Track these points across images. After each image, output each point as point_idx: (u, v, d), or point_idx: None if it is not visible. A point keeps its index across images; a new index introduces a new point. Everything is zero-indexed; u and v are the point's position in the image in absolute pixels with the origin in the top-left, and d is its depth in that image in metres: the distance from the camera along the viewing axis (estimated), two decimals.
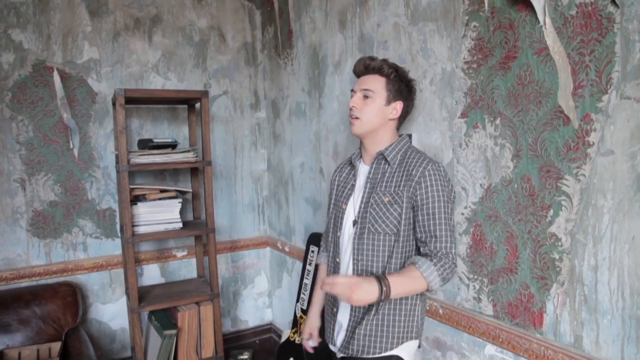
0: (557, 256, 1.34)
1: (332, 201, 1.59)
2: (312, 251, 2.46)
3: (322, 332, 1.66)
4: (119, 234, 2.68)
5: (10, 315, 2.26)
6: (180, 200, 2.49)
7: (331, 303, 1.57)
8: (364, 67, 1.46)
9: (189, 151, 2.46)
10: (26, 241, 2.49)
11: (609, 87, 1.18)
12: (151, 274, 2.82)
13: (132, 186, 2.36)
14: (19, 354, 2.19)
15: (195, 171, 2.77)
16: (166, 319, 2.47)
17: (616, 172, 1.18)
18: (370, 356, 1.41)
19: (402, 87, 1.45)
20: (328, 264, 1.60)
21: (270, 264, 3.23)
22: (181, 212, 2.49)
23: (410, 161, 1.39)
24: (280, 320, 3.17)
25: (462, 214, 1.64)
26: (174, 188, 2.55)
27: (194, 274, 2.92)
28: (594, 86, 1.22)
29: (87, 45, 2.58)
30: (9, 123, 2.42)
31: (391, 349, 1.40)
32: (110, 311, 2.71)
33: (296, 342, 2.38)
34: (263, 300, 3.26)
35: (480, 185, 1.56)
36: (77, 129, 2.57)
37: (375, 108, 1.42)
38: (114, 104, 2.36)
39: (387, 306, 1.40)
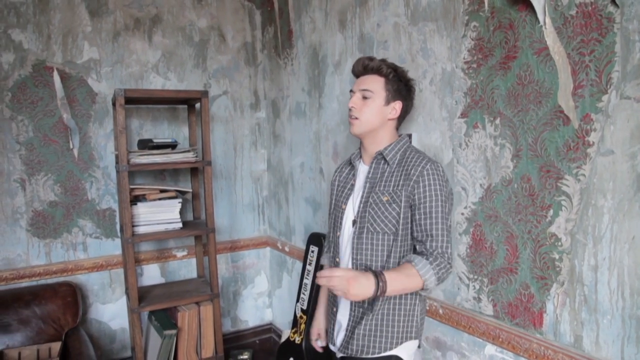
0: (557, 256, 1.34)
1: (333, 201, 1.59)
2: (312, 251, 2.46)
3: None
4: (119, 234, 2.68)
5: (10, 315, 2.26)
6: (180, 200, 2.49)
7: (331, 302, 1.58)
8: (363, 68, 1.46)
9: (188, 151, 2.46)
10: (26, 241, 2.49)
11: (609, 87, 1.18)
12: (151, 274, 2.82)
13: (132, 186, 2.36)
14: (19, 354, 2.19)
15: (195, 171, 2.77)
16: (166, 319, 2.47)
17: (616, 172, 1.18)
18: (370, 356, 1.41)
19: (401, 86, 1.45)
20: (330, 265, 1.60)
21: (270, 264, 3.23)
22: (181, 212, 2.49)
23: (409, 161, 1.39)
24: (280, 320, 3.17)
25: (462, 214, 1.64)
26: (174, 188, 2.55)
27: (194, 274, 2.92)
28: (594, 86, 1.22)
29: (87, 45, 2.58)
30: (9, 123, 2.42)
31: (390, 348, 1.41)
32: (110, 311, 2.71)
33: (296, 342, 2.38)
34: (263, 300, 3.26)
35: (480, 185, 1.56)
36: (77, 129, 2.57)
37: (374, 108, 1.42)
38: (113, 104, 2.36)
39: (386, 306, 1.40)
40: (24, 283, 2.47)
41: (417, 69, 1.79)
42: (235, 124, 3.06)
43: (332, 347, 1.56)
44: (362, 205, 1.43)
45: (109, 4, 2.62)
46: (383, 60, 1.45)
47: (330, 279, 1.21)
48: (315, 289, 2.33)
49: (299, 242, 2.81)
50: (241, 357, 2.97)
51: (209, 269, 2.54)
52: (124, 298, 2.72)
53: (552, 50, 1.31)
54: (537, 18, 1.33)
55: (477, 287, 1.60)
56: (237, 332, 3.14)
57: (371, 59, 1.45)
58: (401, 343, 1.41)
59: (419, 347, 1.49)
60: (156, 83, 2.78)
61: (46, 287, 2.42)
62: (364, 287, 1.22)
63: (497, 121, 1.49)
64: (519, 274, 1.46)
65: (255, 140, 3.15)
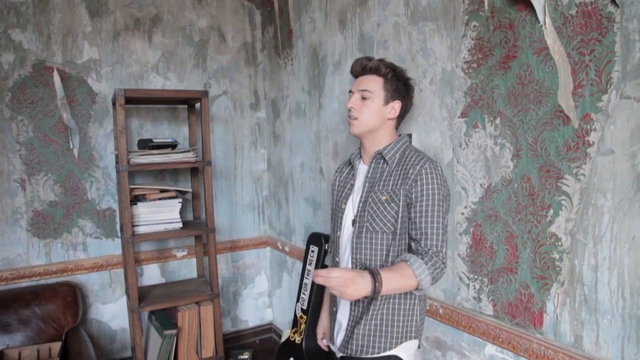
0: (557, 256, 1.34)
1: (334, 202, 1.60)
2: (312, 251, 2.46)
3: None
4: (119, 234, 2.68)
5: (11, 315, 2.26)
6: (180, 200, 2.49)
7: (331, 302, 1.58)
8: (361, 68, 1.46)
9: (188, 151, 2.46)
10: (26, 241, 2.49)
11: (609, 86, 1.18)
12: (151, 274, 2.82)
13: (132, 186, 2.36)
14: (19, 354, 2.20)
15: (195, 171, 2.77)
16: (166, 319, 2.47)
17: (616, 172, 1.18)
18: (369, 356, 1.41)
19: (399, 86, 1.45)
20: (331, 265, 1.60)
21: (271, 263, 3.23)
22: (181, 212, 2.49)
23: (408, 160, 1.39)
24: (280, 320, 3.17)
25: (462, 213, 1.63)
26: (174, 188, 2.55)
27: (194, 274, 2.92)
28: (594, 86, 1.22)
29: (87, 45, 2.58)
30: (9, 123, 2.42)
31: (390, 348, 1.40)
32: (111, 311, 2.71)
33: (296, 342, 2.38)
34: (263, 300, 3.26)
35: (480, 185, 1.56)
36: (77, 129, 2.57)
37: (373, 108, 1.42)
38: (113, 104, 2.36)
39: (385, 306, 1.40)
40: (24, 283, 2.47)
41: (417, 69, 1.79)
42: (235, 124, 3.06)
43: (332, 347, 1.57)
44: (361, 204, 1.43)
45: (109, 4, 2.62)
46: (381, 60, 1.45)
47: (328, 279, 1.21)
48: (317, 289, 2.33)
49: (299, 242, 2.81)
50: (241, 357, 2.97)
51: (209, 269, 2.54)
52: (124, 298, 2.72)
53: (552, 50, 1.31)
54: (537, 18, 1.33)
55: (477, 287, 1.60)
56: (237, 332, 3.14)
57: (369, 59, 1.45)
58: (401, 343, 1.41)
59: (418, 347, 1.49)
60: (156, 83, 2.78)
61: (46, 287, 2.42)
62: (360, 287, 1.20)
63: (497, 121, 1.49)
64: (519, 273, 1.45)
65: (255, 140, 3.15)
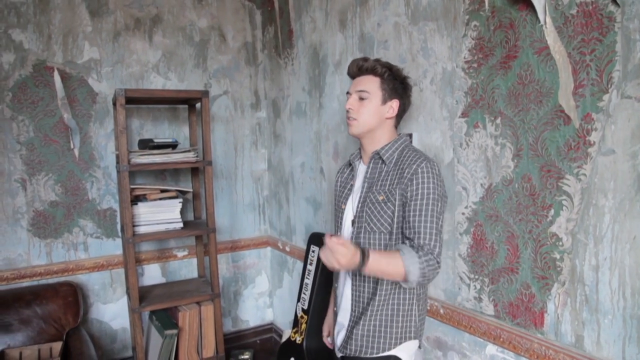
0: (558, 256, 1.34)
1: (335, 202, 1.60)
2: (313, 251, 2.46)
3: None
4: (120, 233, 2.68)
5: (12, 315, 2.26)
6: (181, 200, 2.49)
7: (334, 302, 1.58)
8: (358, 69, 1.46)
9: (189, 151, 2.46)
10: (27, 241, 2.50)
11: (609, 86, 1.18)
12: (152, 274, 2.82)
13: (132, 186, 2.36)
14: (20, 353, 2.20)
15: (195, 171, 2.77)
16: (167, 319, 2.47)
17: (617, 172, 1.18)
18: (368, 356, 1.41)
19: (396, 85, 1.44)
20: None
21: (271, 263, 3.23)
22: (182, 212, 2.49)
23: (405, 160, 1.38)
24: (281, 320, 3.17)
25: (463, 213, 1.63)
26: (175, 188, 2.55)
27: (195, 274, 2.93)
28: (594, 85, 1.21)
29: (88, 45, 2.59)
30: (10, 123, 2.42)
31: (389, 349, 1.40)
32: (111, 311, 2.71)
33: (297, 342, 2.38)
34: (264, 300, 3.26)
35: (481, 185, 1.56)
36: (78, 129, 2.57)
37: (371, 108, 1.42)
38: (114, 104, 2.36)
39: (384, 307, 1.40)
40: (25, 283, 2.47)
41: (417, 69, 1.79)
42: (236, 124, 3.06)
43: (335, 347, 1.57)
44: (360, 205, 1.43)
45: (109, 4, 2.62)
46: (377, 60, 1.45)
47: (334, 246, 1.20)
48: (317, 288, 2.33)
49: (300, 242, 2.81)
50: (242, 357, 2.97)
51: (210, 269, 2.54)
52: (125, 298, 2.72)
53: (552, 50, 1.30)
54: (537, 17, 1.33)
55: (478, 287, 1.60)
56: (238, 332, 3.14)
57: (365, 59, 1.45)
58: (400, 343, 1.41)
59: (419, 347, 1.49)
60: (157, 83, 2.78)
61: (47, 287, 2.42)
62: (346, 265, 1.21)
63: (498, 121, 1.48)
64: (519, 273, 1.45)
65: (255, 140, 3.15)
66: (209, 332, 2.52)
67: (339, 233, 1.52)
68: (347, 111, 1.45)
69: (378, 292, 1.40)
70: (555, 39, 1.29)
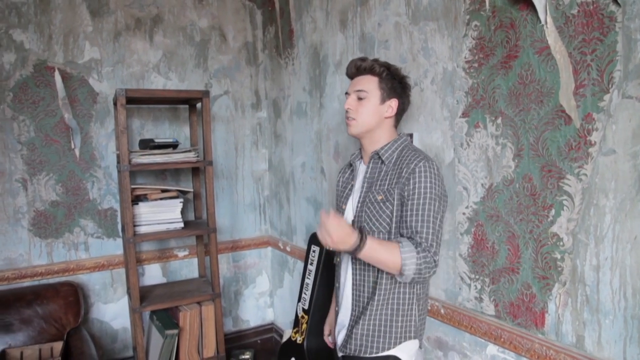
0: (558, 256, 1.34)
1: (336, 203, 1.60)
2: (314, 251, 2.46)
3: None
4: (121, 233, 2.68)
5: (13, 315, 2.27)
6: (182, 200, 2.49)
7: (336, 302, 1.58)
8: (356, 69, 1.46)
9: (190, 151, 2.46)
10: (28, 241, 2.50)
11: (610, 86, 1.18)
12: (152, 274, 2.82)
13: (133, 186, 2.36)
14: (21, 353, 2.20)
15: (196, 171, 2.77)
16: (168, 319, 2.47)
17: (618, 172, 1.18)
18: (368, 355, 1.41)
19: (395, 84, 1.44)
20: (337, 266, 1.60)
21: (272, 263, 3.23)
22: (182, 212, 2.49)
23: (404, 159, 1.38)
24: (281, 320, 3.17)
25: (464, 213, 1.63)
26: (175, 188, 2.55)
27: (196, 274, 2.93)
28: (595, 85, 1.21)
29: (88, 45, 2.59)
30: (11, 123, 2.42)
31: (389, 348, 1.40)
32: (112, 311, 2.71)
33: (297, 342, 2.38)
34: (264, 300, 3.26)
35: (482, 185, 1.56)
36: (79, 129, 2.57)
37: (370, 108, 1.42)
38: (115, 104, 2.36)
39: (384, 307, 1.40)
40: (26, 283, 2.47)
41: (418, 69, 1.79)
42: (237, 124, 3.06)
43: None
44: (359, 205, 1.43)
45: (110, 4, 2.62)
46: (375, 60, 1.45)
47: (327, 220, 1.22)
48: (318, 288, 2.33)
49: (300, 242, 2.81)
50: (243, 356, 2.97)
51: (211, 269, 2.54)
52: (126, 298, 2.72)
53: (553, 50, 1.30)
54: (538, 17, 1.33)
55: (479, 287, 1.60)
56: (238, 331, 3.15)
57: (363, 59, 1.45)
58: (400, 343, 1.41)
59: (420, 347, 1.49)
60: (157, 83, 2.78)
61: (48, 286, 2.43)
62: (342, 243, 1.23)
63: (499, 121, 1.48)
64: (520, 273, 1.45)
65: (256, 140, 3.15)
66: (209, 332, 2.52)
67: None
68: (346, 111, 1.45)
69: (377, 292, 1.40)
70: (556, 39, 1.29)
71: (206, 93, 2.43)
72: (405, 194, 1.33)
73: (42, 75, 2.48)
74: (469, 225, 1.62)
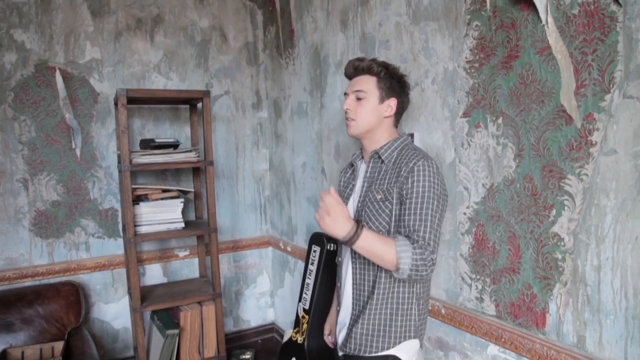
0: (559, 256, 1.34)
1: None
2: (314, 251, 2.45)
3: None
4: (121, 233, 2.68)
5: (14, 315, 2.27)
6: (182, 200, 2.49)
7: (337, 301, 1.59)
8: (354, 69, 1.46)
9: (190, 151, 2.46)
10: (29, 241, 2.50)
11: (611, 86, 1.18)
12: (153, 274, 2.82)
13: (134, 186, 2.36)
14: (22, 353, 2.20)
15: (197, 171, 2.78)
16: (168, 319, 2.47)
17: (619, 172, 1.18)
18: (367, 355, 1.41)
19: (393, 83, 1.44)
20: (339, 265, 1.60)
21: (272, 263, 3.23)
22: (183, 212, 2.49)
23: (403, 158, 1.38)
24: (282, 320, 3.17)
25: (465, 213, 1.63)
26: (176, 188, 2.55)
27: (196, 274, 2.93)
28: (596, 85, 1.21)
29: (89, 45, 2.59)
30: (12, 123, 2.42)
31: (388, 348, 1.40)
32: (113, 311, 2.72)
33: (298, 342, 2.38)
34: (265, 300, 3.26)
35: (483, 185, 1.56)
36: (79, 129, 2.57)
37: (369, 108, 1.42)
38: (116, 104, 2.36)
39: (383, 305, 1.40)
40: (27, 282, 2.48)
41: (419, 69, 1.79)
42: (237, 124, 3.07)
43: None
44: (359, 204, 1.44)
45: (110, 4, 2.63)
46: (373, 60, 1.45)
47: (325, 198, 1.22)
48: (319, 288, 2.33)
49: (301, 242, 2.81)
50: (243, 356, 2.97)
51: (211, 269, 2.54)
52: (127, 298, 2.72)
53: (554, 50, 1.30)
54: (539, 17, 1.33)
55: (480, 287, 1.60)
56: (239, 331, 3.15)
57: (361, 59, 1.45)
58: (399, 343, 1.41)
59: (420, 347, 1.49)
60: (158, 83, 2.78)
61: (49, 286, 2.43)
62: (339, 224, 1.22)
63: (500, 121, 1.48)
64: (521, 274, 1.45)
65: (257, 140, 3.15)
66: (210, 332, 2.52)
67: None
68: (346, 112, 1.45)
69: (376, 290, 1.39)
70: (557, 39, 1.29)
71: (207, 93, 2.43)
72: (404, 192, 1.33)
73: (43, 75, 2.48)
74: (470, 225, 1.61)
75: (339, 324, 1.53)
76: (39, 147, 2.49)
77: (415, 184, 1.31)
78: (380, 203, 1.37)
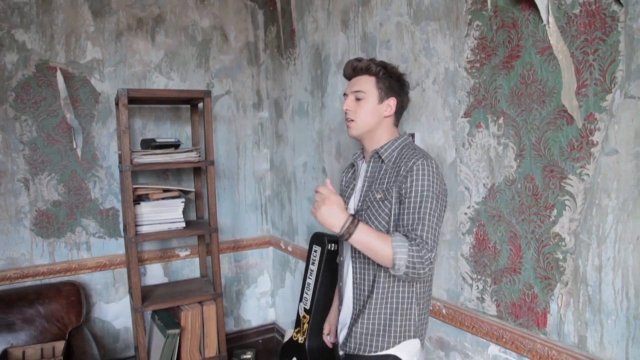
0: (560, 256, 1.34)
1: None
2: (315, 251, 2.46)
3: None
4: (122, 233, 2.68)
5: (15, 314, 2.27)
6: (183, 199, 2.49)
7: (338, 300, 1.59)
8: (352, 69, 1.46)
9: (191, 151, 2.46)
10: (30, 241, 2.50)
11: (613, 86, 1.18)
12: (154, 274, 2.82)
13: (135, 186, 2.36)
14: (23, 352, 2.20)
15: (198, 171, 2.78)
16: (169, 319, 2.47)
17: (620, 172, 1.18)
18: (367, 354, 1.41)
19: (392, 83, 1.44)
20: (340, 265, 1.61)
21: (273, 263, 3.24)
22: (184, 212, 2.49)
23: (403, 157, 1.38)
24: (283, 320, 3.17)
25: (465, 213, 1.63)
26: (177, 188, 2.56)
27: (197, 274, 2.93)
28: (597, 85, 1.21)
29: (90, 45, 2.59)
30: (13, 123, 2.43)
31: (388, 347, 1.40)
32: (114, 310, 2.72)
33: (299, 341, 2.38)
34: (266, 299, 3.26)
35: (484, 184, 1.56)
36: (80, 128, 2.57)
37: (368, 108, 1.42)
38: (117, 104, 2.36)
39: (383, 304, 1.40)
40: (28, 282, 2.48)
41: (419, 69, 1.79)
42: (238, 124, 3.07)
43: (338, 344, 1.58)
44: (360, 204, 1.44)
45: (111, 4, 2.63)
46: (371, 60, 1.45)
47: (321, 190, 1.25)
48: (319, 288, 2.33)
49: (302, 242, 2.81)
50: (244, 356, 2.97)
51: (212, 269, 2.54)
52: (127, 297, 2.73)
53: (555, 50, 1.30)
54: (540, 17, 1.32)
55: (481, 287, 1.60)
56: (240, 331, 3.15)
57: (359, 60, 1.45)
58: (399, 342, 1.41)
59: (421, 347, 1.49)
60: (159, 83, 2.78)
61: (50, 286, 2.43)
62: (334, 215, 1.25)
63: (501, 121, 1.48)
64: (522, 274, 1.45)
65: (258, 140, 3.15)
66: (211, 332, 2.52)
67: None
68: (345, 113, 1.45)
69: (375, 289, 1.39)
70: (558, 39, 1.29)
71: (208, 93, 2.43)
72: (403, 192, 1.32)
73: (44, 75, 2.48)
74: (471, 225, 1.61)
75: (340, 323, 1.54)
76: (40, 147, 2.49)
77: (414, 183, 1.31)
78: (380, 202, 1.37)
